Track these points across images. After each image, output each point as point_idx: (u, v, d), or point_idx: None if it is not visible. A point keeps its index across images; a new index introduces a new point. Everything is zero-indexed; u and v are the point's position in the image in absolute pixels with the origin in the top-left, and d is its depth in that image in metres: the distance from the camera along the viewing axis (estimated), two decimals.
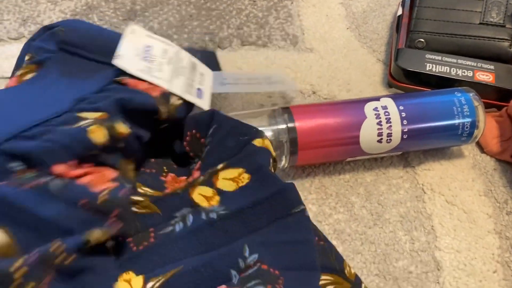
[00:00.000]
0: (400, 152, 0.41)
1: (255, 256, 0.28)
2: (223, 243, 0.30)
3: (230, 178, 0.33)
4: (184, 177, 0.34)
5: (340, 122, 0.38)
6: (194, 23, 0.52)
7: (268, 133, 0.38)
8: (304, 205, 0.31)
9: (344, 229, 0.38)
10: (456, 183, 0.42)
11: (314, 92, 0.47)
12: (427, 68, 0.46)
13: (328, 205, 0.39)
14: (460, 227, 0.39)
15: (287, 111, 0.39)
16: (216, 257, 0.28)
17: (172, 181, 0.33)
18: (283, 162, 0.39)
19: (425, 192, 0.41)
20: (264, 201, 0.31)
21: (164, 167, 0.35)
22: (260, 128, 0.38)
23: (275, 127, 0.38)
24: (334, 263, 0.34)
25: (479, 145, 0.45)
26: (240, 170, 0.33)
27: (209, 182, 0.33)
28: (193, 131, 0.36)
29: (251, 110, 0.41)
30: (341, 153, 0.39)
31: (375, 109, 0.39)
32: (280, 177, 0.40)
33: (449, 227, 0.39)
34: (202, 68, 0.39)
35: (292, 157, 0.38)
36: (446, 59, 0.47)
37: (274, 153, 0.35)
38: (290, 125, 0.38)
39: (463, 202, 0.40)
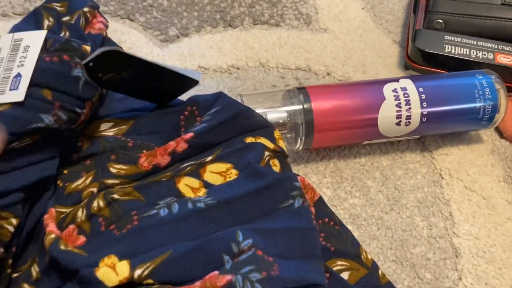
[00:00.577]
0: (418, 136, 0.40)
1: (249, 241, 0.27)
2: (212, 232, 0.28)
3: (218, 172, 0.32)
4: (162, 148, 0.32)
5: (358, 104, 0.37)
6: (204, 1, 0.50)
7: (283, 114, 0.37)
8: (299, 196, 0.30)
9: (360, 213, 0.37)
10: (475, 169, 0.40)
11: (328, 74, 0.46)
12: (446, 50, 0.45)
13: (344, 189, 0.38)
14: (479, 214, 0.38)
15: (303, 92, 0.37)
16: (207, 241, 0.26)
17: (149, 154, 0.32)
18: (297, 145, 0.37)
19: (442, 178, 0.40)
20: (252, 195, 0.30)
21: (144, 151, 0.33)
22: (274, 109, 0.37)
23: (290, 108, 0.37)
24: (350, 248, 0.33)
25: (498, 130, 0.44)
26: (228, 165, 0.32)
27: (196, 174, 0.31)
28: (193, 107, 0.34)
29: (265, 90, 0.40)
30: (358, 136, 0.38)
31: (394, 90, 0.38)
32: (294, 160, 0.39)
33: (468, 213, 0.38)
34: (30, 38, 0.31)
35: (307, 140, 0.37)
36: (466, 40, 0.45)
37: (272, 145, 0.33)
38: (306, 106, 0.36)
39: (482, 188, 0.39)
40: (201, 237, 0.28)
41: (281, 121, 0.37)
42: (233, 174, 0.32)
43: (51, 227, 0.28)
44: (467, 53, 0.45)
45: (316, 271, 0.28)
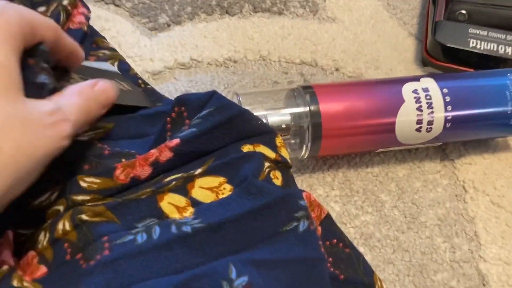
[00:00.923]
0: (440, 143, 0.35)
1: (245, 278, 0.22)
2: (200, 263, 0.23)
3: (209, 188, 0.27)
4: (143, 157, 0.27)
5: (372, 106, 0.32)
6: None
7: (286, 117, 0.32)
8: (304, 217, 0.26)
9: (373, 233, 0.32)
10: (503, 181, 0.36)
11: (337, 69, 0.41)
12: (471, 45, 0.40)
13: (354, 203, 0.33)
14: (509, 234, 0.33)
15: (310, 91, 0.32)
16: (192, 278, 0.22)
17: (126, 165, 0.27)
18: (302, 152, 0.32)
19: (466, 191, 0.35)
20: (249, 217, 0.25)
21: (123, 160, 0.28)
22: (276, 111, 0.32)
23: (294, 110, 0.32)
24: (362, 277, 0.28)
25: None
26: (221, 179, 0.27)
27: (183, 190, 0.26)
28: (182, 108, 0.29)
29: (265, 89, 0.35)
30: (371, 143, 0.33)
31: (415, 91, 0.33)
32: (298, 169, 0.34)
33: (496, 234, 0.33)
34: None
35: (313, 146, 0.32)
36: (493, 34, 0.40)
37: (273, 155, 0.29)
38: (313, 107, 0.31)
39: (511, 203, 0.34)
40: (186, 269, 0.24)
41: (284, 125, 0.32)
42: (226, 190, 0.27)
43: (5, 256, 0.23)
44: (494, 48, 0.39)
45: None
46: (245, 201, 0.26)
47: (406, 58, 0.43)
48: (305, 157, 0.33)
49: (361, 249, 0.31)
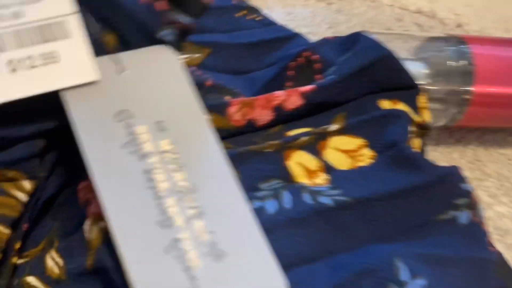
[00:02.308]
0: None
1: (422, 282, 0.16)
2: (342, 248, 0.18)
3: (344, 150, 0.20)
4: (264, 98, 0.21)
5: None
6: None
7: (426, 71, 0.25)
8: (466, 206, 0.20)
9: (509, 228, 0.26)
10: None
11: (459, 25, 0.34)
12: None
13: (486, 189, 0.27)
14: None
15: (462, 43, 0.25)
16: (350, 278, 0.16)
17: (243, 103, 0.21)
18: (441, 120, 0.26)
19: None
20: (400, 197, 0.19)
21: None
22: (415, 62, 0.26)
23: (440, 64, 0.25)
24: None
25: None
26: (360, 141, 0.21)
27: (313, 148, 0.21)
28: (315, 56, 0.23)
29: (403, 32, 0.28)
30: None
31: None
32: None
33: None
34: None
35: (456, 114, 0.26)
36: None
37: (417, 118, 0.23)
38: (466, 64, 0.25)
39: None
40: (326, 254, 0.18)
41: (423, 82, 0.25)
42: (365, 156, 0.21)
43: (95, 207, 0.17)
44: None
45: None
46: (395, 175, 0.20)
47: None
48: (439, 124, 0.26)
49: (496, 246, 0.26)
